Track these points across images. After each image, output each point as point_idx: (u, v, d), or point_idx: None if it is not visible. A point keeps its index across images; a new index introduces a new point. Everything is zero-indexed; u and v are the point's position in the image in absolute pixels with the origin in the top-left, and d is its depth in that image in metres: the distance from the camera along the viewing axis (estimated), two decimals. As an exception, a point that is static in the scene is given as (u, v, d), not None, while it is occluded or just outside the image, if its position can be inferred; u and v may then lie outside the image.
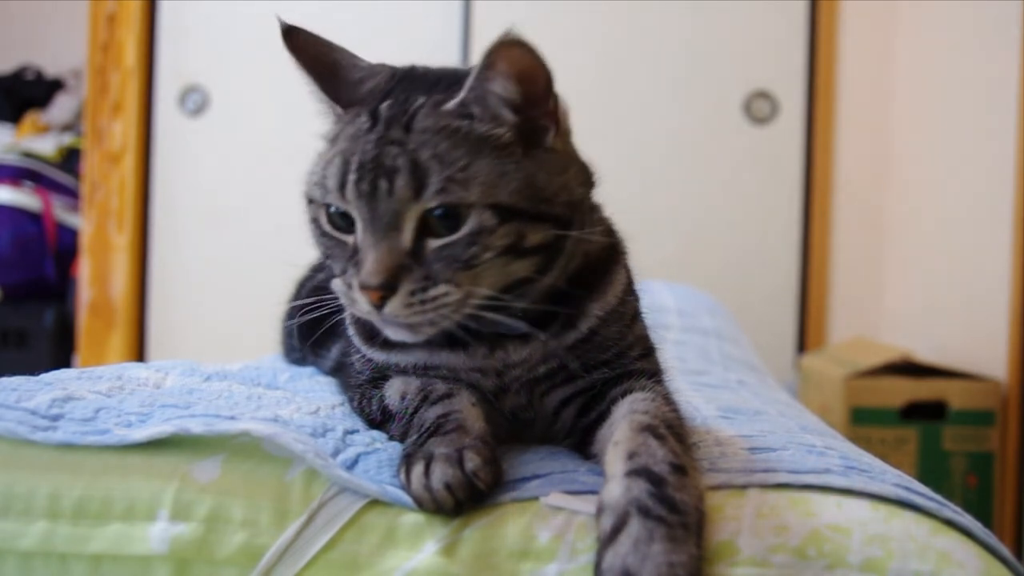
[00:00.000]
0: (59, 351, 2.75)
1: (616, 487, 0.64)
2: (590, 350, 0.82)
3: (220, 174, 2.78)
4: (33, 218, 2.82)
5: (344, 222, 0.75)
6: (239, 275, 2.73)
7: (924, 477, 1.64)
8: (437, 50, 2.68)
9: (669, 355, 0.95)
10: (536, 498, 0.69)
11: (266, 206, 2.67)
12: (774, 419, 1.01)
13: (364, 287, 0.71)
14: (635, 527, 0.61)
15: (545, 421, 0.84)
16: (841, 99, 2.74)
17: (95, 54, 2.71)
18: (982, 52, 2.28)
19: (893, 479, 0.75)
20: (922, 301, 2.54)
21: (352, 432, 0.80)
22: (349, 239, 0.75)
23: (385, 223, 0.72)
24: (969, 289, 2.27)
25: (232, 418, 0.76)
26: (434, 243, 0.72)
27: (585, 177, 0.82)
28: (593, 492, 0.68)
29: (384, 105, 0.75)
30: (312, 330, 0.99)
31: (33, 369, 0.95)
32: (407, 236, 0.72)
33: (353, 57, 0.81)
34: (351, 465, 0.73)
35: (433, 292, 0.71)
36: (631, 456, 0.67)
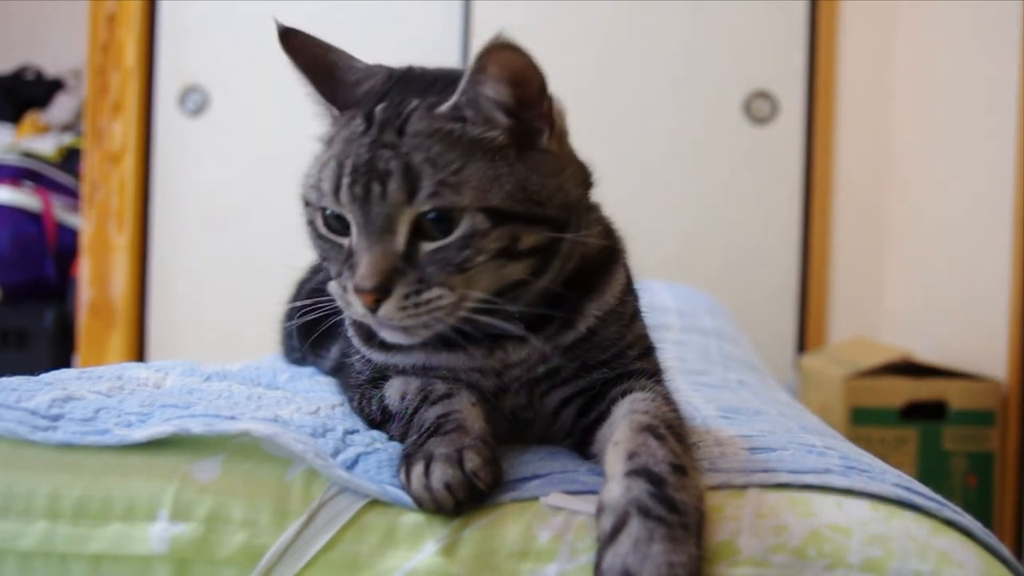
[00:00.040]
0: (59, 351, 2.75)
1: (616, 487, 0.64)
2: (589, 350, 0.82)
3: (220, 174, 2.78)
4: (33, 218, 2.82)
5: (339, 225, 0.75)
6: (239, 275, 2.73)
7: (924, 477, 1.64)
8: (437, 50, 2.67)
9: (669, 355, 0.95)
10: (536, 498, 0.69)
11: (266, 206, 2.67)
12: (774, 419, 1.01)
13: (358, 290, 0.72)
14: (635, 527, 0.61)
15: (545, 421, 0.84)
16: (841, 99, 2.74)
17: (95, 54, 2.71)
18: (982, 52, 2.28)
19: (893, 479, 0.75)
20: (922, 301, 2.54)
21: (352, 432, 0.80)
22: (344, 242, 0.75)
23: (379, 227, 0.72)
24: (969, 289, 2.27)
25: (232, 418, 0.76)
26: (427, 246, 0.72)
27: (582, 178, 0.82)
28: (593, 492, 0.68)
29: (379, 108, 0.75)
30: (312, 330, 0.99)
31: (33, 369, 0.95)
32: (400, 239, 0.72)
33: (350, 59, 0.81)
34: (351, 465, 0.73)
35: (427, 295, 0.71)
36: (631, 456, 0.67)
